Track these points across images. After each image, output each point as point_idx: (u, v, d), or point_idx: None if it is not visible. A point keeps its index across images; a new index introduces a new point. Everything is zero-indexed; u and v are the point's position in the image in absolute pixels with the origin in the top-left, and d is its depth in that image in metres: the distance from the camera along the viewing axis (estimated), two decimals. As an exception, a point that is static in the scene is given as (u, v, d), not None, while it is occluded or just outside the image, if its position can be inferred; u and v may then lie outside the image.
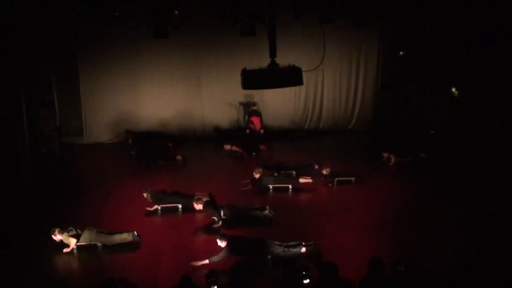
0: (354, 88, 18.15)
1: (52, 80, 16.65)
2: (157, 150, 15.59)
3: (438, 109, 15.54)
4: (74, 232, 9.66)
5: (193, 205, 10.71)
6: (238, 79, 10.23)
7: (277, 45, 10.10)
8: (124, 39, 16.47)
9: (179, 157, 15.04)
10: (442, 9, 14.26)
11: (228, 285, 7.36)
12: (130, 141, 16.35)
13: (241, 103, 17.71)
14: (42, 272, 8.97)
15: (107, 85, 17.11)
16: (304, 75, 10.08)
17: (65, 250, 9.53)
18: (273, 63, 9.93)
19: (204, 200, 10.76)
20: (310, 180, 12.36)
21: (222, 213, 10.51)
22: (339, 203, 11.62)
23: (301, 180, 12.39)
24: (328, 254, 8.90)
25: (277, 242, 9.01)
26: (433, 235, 9.85)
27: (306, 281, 7.26)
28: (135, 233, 9.73)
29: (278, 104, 17.83)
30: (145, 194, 11.36)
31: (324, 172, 12.80)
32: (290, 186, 12.42)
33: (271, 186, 12.39)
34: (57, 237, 9.59)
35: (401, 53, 16.89)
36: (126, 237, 9.69)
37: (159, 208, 11.34)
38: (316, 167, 13.09)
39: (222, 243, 8.83)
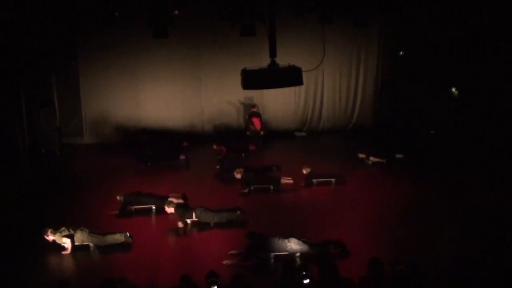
0: (354, 88, 18.14)
1: (52, 80, 16.65)
2: (163, 150, 15.55)
3: (438, 109, 15.54)
4: (66, 233, 9.64)
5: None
6: (238, 79, 10.23)
7: (277, 45, 10.09)
8: (124, 39, 16.47)
9: (182, 157, 15.00)
10: (442, 9, 14.25)
11: (228, 285, 7.36)
12: (145, 139, 16.29)
13: (241, 103, 17.71)
14: (42, 272, 8.98)
15: (107, 85, 17.12)
16: (304, 75, 10.07)
17: (64, 252, 9.52)
18: (273, 63, 9.93)
19: (175, 203, 10.75)
20: (291, 181, 12.40)
21: (194, 215, 10.51)
22: (339, 203, 11.62)
23: (283, 181, 12.42)
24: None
25: (304, 240, 9.08)
26: (433, 235, 9.85)
27: (306, 281, 7.26)
28: (128, 234, 9.72)
29: (278, 104, 17.83)
30: (118, 197, 11.36)
31: (304, 172, 12.83)
32: (272, 187, 12.43)
33: (252, 187, 12.40)
34: (50, 237, 9.59)
35: (401, 53, 16.89)
36: (118, 238, 9.69)
37: (132, 209, 11.33)
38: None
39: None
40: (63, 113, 17.02)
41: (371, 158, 14.32)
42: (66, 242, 9.54)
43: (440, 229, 10.09)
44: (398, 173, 13.43)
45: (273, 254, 8.97)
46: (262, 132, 16.93)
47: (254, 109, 17.05)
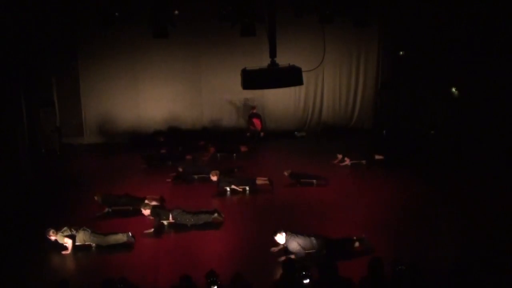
0: (354, 88, 18.15)
1: (52, 80, 16.68)
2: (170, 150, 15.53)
3: (438, 109, 15.53)
4: (68, 232, 9.65)
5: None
6: (238, 79, 10.23)
7: (277, 45, 10.09)
8: (124, 39, 16.49)
9: (188, 157, 14.97)
10: (442, 9, 14.24)
11: (228, 285, 7.36)
12: (162, 140, 16.26)
13: (241, 103, 17.72)
14: (42, 272, 8.97)
15: (107, 85, 17.13)
16: (304, 75, 10.08)
17: (64, 252, 9.52)
18: (273, 63, 9.93)
19: (151, 205, 10.74)
20: (267, 182, 12.41)
21: (171, 217, 10.51)
22: (338, 203, 11.62)
23: (258, 182, 12.43)
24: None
25: (329, 237, 9.12)
26: (433, 234, 9.85)
27: (306, 281, 7.26)
28: (130, 234, 9.73)
29: (278, 104, 17.84)
30: (96, 197, 11.36)
31: (286, 173, 12.86)
32: (247, 188, 12.42)
33: (228, 188, 12.40)
34: (52, 237, 9.60)
35: (401, 53, 16.89)
36: (120, 238, 9.70)
37: (110, 210, 11.34)
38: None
39: (280, 239, 8.96)
40: (63, 113, 17.04)
41: (347, 159, 14.26)
42: (67, 243, 9.54)
43: (440, 229, 10.09)
44: (397, 173, 13.43)
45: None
46: (262, 133, 16.94)
47: (254, 110, 17.10)
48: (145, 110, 17.43)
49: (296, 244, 8.90)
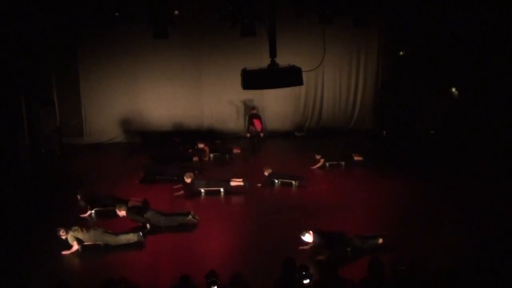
0: (354, 88, 18.14)
1: (52, 80, 16.65)
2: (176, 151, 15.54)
3: (438, 109, 15.53)
4: (79, 232, 9.64)
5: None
6: (238, 79, 10.23)
7: (277, 45, 10.09)
8: (124, 39, 16.48)
9: (195, 159, 14.94)
10: (442, 9, 14.24)
11: (228, 285, 7.36)
12: (177, 139, 16.25)
13: (241, 104, 17.71)
14: (42, 272, 8.96)
15: (107, 85, 17.12)
16: (304, 75, 10.07)
17: (64, 252, 9.52)
18: (273, 63, 9.92)
19: (126, 206, 10.73)
20: (241, 183, 12.41)
21: (144, 217, 10.51)
22: (338, 203, 11.62)
23: (232, 183, 12.43)
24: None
25: (355, 235, 9.19)
26: (433, 235, 9.85)
27: (306, 281, 7.26)
28: (141, 233, 9.73)
29: (278, 104, 17.83)
30: (79, 197, 11.36)
31: (266, 173, 12.89)
32: (222, 189, 12.42)
33: (202, 190, 12.39)
34: (63, 237, 9.60)
35: (401, 53, 16.89)
36: (131, 237, 9.70)
37: (93, 212, 11.34)
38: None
39: (308, 238, 9.03)
40: (63, 113, 17.02)
41: (321, 160, 14.18)
42: (74, 245, 9.52)
43: (440, 229, 10.09)
44: (397, 173, 13.43)
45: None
46: (262, 134, 16.94)
47: (254, 111, 17.08)
48: (145, 109, 17.42)
49: (323, 242, 9.01)
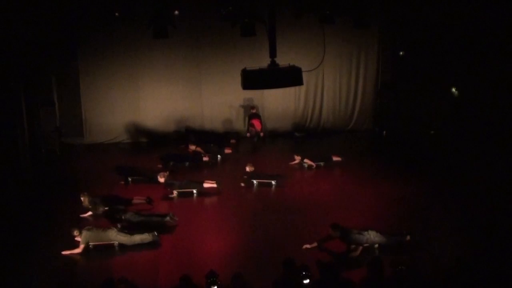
0: (354, 88, 18.15)
1: (52, 80, 16.66)
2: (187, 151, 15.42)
3: (438, 109, 15.54)
4: (94, 230, 9.63)
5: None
6: (238, 79, 10.23)
7: (277, 45, 10.09)
8: (124, 39, 16.49)
9: (205, 159, 14.82)
10: (442, 9, 14.25)
11: (228, 285, 7.36)
12: (192, 139, 16.21)
13: (241, 104, 17.72)
14: (42, 272, 8.96)
15: (107, 85, 17.13)
16: (304, 75, 10.06)
17: (64, 252, 9.49)
18: (273, 63, 9.92)
19: (102, 208, 10.95)
20: (214, 185, 12.39)
21: (123, 218, 10.52)
22: (339, 203, 11.62)
23: (205, 185, 12.39)
24: (327, 254, 8.96)
25: (382, 232, 9.20)
26: (433, 235, 9.84)
27: (306, 281, 7.26)
28: (155, 233, 9.72)
29: (278, 104, 17.84)
30: (82, 198, 11.32)
31: (248, 169, 12.90)
32: (195, 191, 12.35)
33: (175, 191, 12.32)
34: (77, 238, 9.59)
35: (401, 53, 16.89)
36: (146, 237, 9.70)
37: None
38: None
39: (334, 234, 9.06)
40: (63, 113, 17.03)
41: (306, 161, 14.19)
42: (81, 246, 9.50)
43: (440, 229, 10.08)
44: (397, 173, 13.43)
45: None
46: (262, 134, 16.95)
47: (254, 111, 17.10)
48: (145, 109, 17.43)
49: (353, 238, 9.04)
